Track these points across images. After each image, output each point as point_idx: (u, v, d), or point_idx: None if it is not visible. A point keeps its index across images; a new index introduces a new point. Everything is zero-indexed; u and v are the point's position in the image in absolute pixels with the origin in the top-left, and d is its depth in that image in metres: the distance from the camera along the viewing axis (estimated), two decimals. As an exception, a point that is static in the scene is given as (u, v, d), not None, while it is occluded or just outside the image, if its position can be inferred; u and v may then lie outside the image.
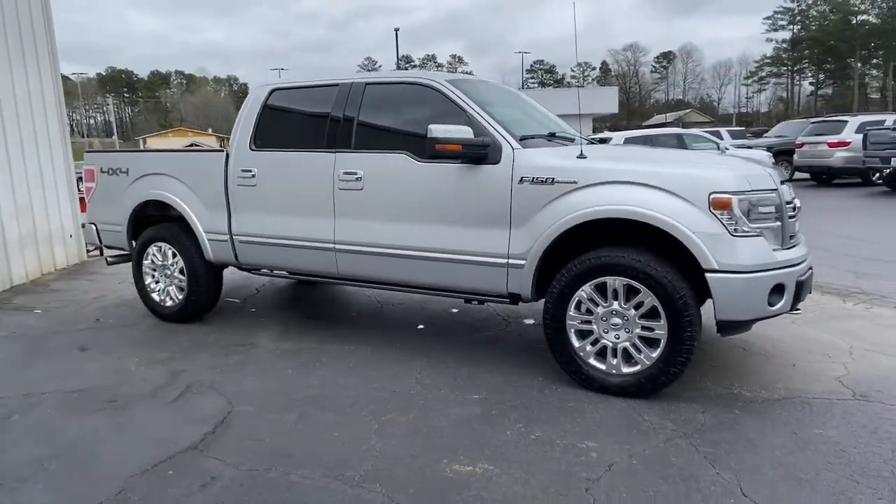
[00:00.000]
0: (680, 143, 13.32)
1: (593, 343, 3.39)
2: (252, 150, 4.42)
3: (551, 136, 3.90)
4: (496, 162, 3.53)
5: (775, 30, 71.27)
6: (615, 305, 3.29)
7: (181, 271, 4.91)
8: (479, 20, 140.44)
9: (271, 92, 4.49)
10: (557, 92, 41.56)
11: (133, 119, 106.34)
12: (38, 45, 7.37)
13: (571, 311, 3.40)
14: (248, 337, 4.57)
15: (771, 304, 3.12)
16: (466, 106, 3.68)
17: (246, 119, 4.51)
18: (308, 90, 4.43)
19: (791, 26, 69.64)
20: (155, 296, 5.10)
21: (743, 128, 26.89)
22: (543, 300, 3.55)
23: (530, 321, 4.83)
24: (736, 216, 3.04)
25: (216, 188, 4.58)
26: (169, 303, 5.03)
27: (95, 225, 5.41)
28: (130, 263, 5.48)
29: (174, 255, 4.93)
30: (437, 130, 3.43)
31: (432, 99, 3.84)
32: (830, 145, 13.49)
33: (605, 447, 2.78)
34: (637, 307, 3.24)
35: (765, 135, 18.97)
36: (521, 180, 3.45)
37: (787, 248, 3.23)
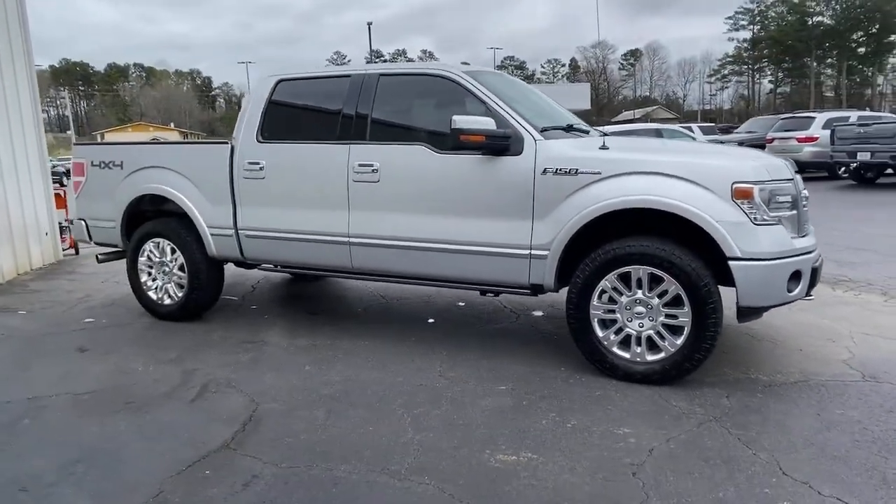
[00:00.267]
0: (659, 138, 13.57)
1: (617, 332, 3.43)
2: (259, 142, 4.33)
3: (569, 128, 3.93)
4: (518, 153, 3.53)
5: (736, 29, 73.34)
6: (639, 294, 3.33)
7: (181, 268, 4.77)
8: (448, 15, 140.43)
9: (277, 83, 4.39)
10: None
11: (89, 113, 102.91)
12: (13, 39, 7.06)
13: (595, 301, 3.43)
14: (256, 334, 4.48)
15: (790, 291, 3.21)
16: (487, 98, 3.67)
17: (251, 111, 4.41)
18: (316, 81, 4.36)
19: (751, 26, 71.74)
20: (152, 294, 4.95)
21: (713, 124, 27.56)
22: (565, 290, 3.57)
23: (539, 313, 4.86)
24: (757, 205, 3.11)
25: (220, 181, 4.47)
26: (167, 301, 4.89)
27: (85, 221, 5.22)
28: (122, 261, 5.32)
29: (173, 252, 4.79)
30: (461, 121, 3.41)
31: (450, 90, 3.82)
32: (799, 140, 13.94)
33: (642, 433, 2.82)
34: (661, 295, 3.29)
35: (735, 130, 19.49)
36: (545, 171, 3.46)
37: (803, 236, 3.32)
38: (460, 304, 5.21)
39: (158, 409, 3.23)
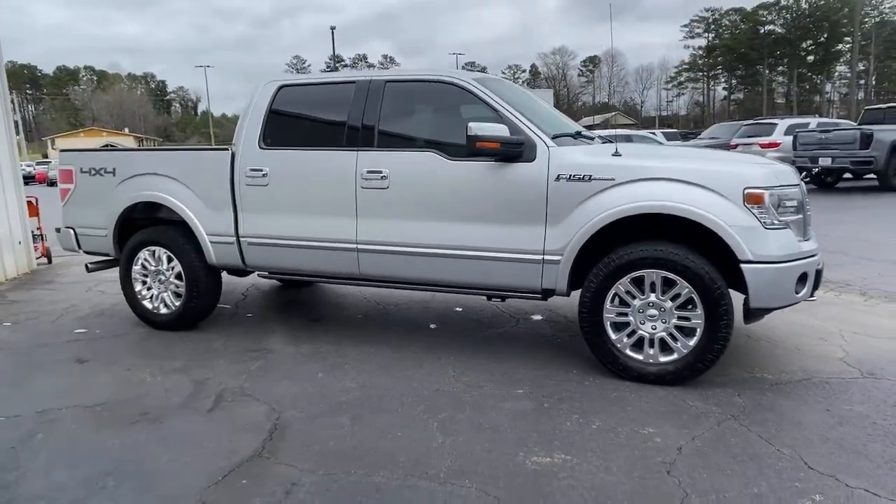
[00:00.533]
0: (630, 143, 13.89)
1: (629, 335, 3.51)
2: (262, 148, 4.28)
3: (577, 136, 4.01)
4: (531, 160, 3.60)
5: (692, 37, 75.74)
6: (652, 297, 3.43)
7: (178, 276, 4.67)
8: (408, 21, 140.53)
9: (279, 89, 4.36)
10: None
11: (38, 118, 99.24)
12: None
13: (608, 305, 3.51)
14: (259, 342, 4.42)
15: (797, 292, 3.35)
16: (498, 105, 3.73)
17: (252, 117, 4.36)
18: (320, 87, 4.34)
19: (706, 34, 74.17)
20: (147, 303, 4.83)
21: (675, 130, 28.34)
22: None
23: (538, 317, 4.93)
24: (768, 210, 3.24)
25: (220, 188, 4.40)
26: (163, 310, 4.77)
27: (73, 229, 5.06)
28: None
29: (170, 260, 4.69)
30: (478, 128, 3.46)
31: (460, 97, 3.86)
32: (762, 146, 14.46)
33: (666, 432, 2.90)
34: (673, 298, 3.39)
35: (699, 136, 20.07)
36: (558, 178, 3.53)
37: (807, 240, 3.47)
38: (458, 308, 5.25)
39: (177, 419, 3.16)
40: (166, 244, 4.65)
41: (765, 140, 14.55)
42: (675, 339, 3.42)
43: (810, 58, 65.56)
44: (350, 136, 4.04)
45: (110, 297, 5.96)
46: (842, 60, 64.29)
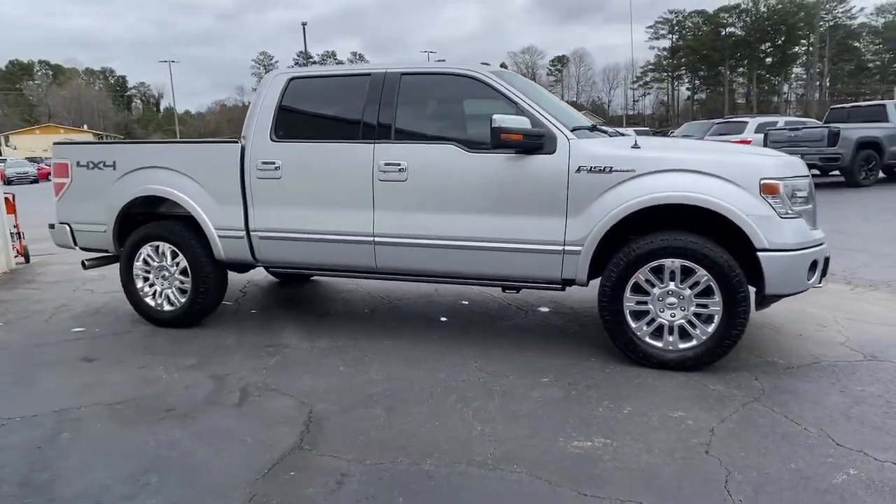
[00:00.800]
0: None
1: (649, 323, 3.60)
2: (274, 141, 4.23)
3: (593, 129, 4.08)
4: (551, 152, 3.65)
5: (657, 38, 77.41)
6: (671, 286, 3.52)
7: (183, 272, 4.59)
8: (376, 18, 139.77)
9: (289, 81, 4.31)
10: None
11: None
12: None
13: (628, 294, 3.59)
14: (271, 337, 4.37)
15: (808, 279, 3.48)
16: (517, 98, 3.77)
17: (263, 109, 4.30)
18: (332, 79, 4.33)
19: (670, 35, 75.88)
20: (149, 300, 4.72)
21: (647, 128, 28.93)
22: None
23: (545, 309, 4.99)
24: (783, 199, 3.37)
25: (230, 182, 4.33)
26: (167, 307, 4.68)
27: (69, 225, 4.91)
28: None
29: (174, 255, 4.60)
30: (502, 120, 3.49)
31: (477, 90, 3.89)
32: (734, 144, 14.89)
33: (696, 415, 2.99)
34: (692, 286, 3.49)
35: (671, 134, 20.53)
36: (579, 169, 3.59)
37: (816, 229, 3.62)
38: (464, 302, 5.28)
39: (206, 415, 3.11)
40: (171, 239, 4.56)
41: (736, 138, 14.96)
42: (693, 326, 3.52)
43: (769, 59, 67.78)
44: (366, 129, 4.03)
45: (101, 296, 5.81)
46: (798, 62, 66.66)
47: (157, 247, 4.63)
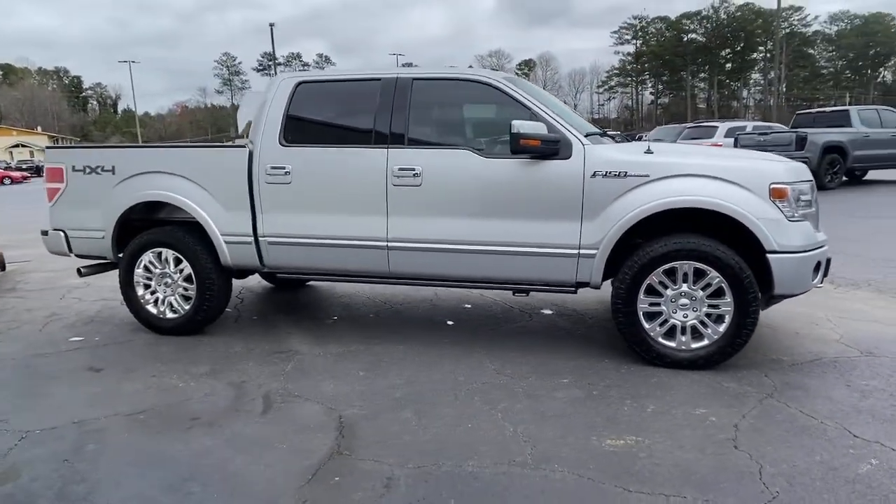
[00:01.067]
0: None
1: (661, 324, 3.71)
2: (283, 145, 4.21)
3: (602, 135, 4.18)
4: (567, 157, 3.73)
5: (621, 43, 79.08)
6: (684, 287, 3.63)
7: (187, 279, 4.51)
8: (341, 20, 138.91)
9: (297, 85, 4.30)
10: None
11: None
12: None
13: (642, 296, 3.69)
14: (280, 344, 4.34)
15: (812, 280, 3.64)
16: (532, 104, 3.84)
17: (271, 113, 4.27)
18: (342, 84, 4.32)
19: (634, 41, 77.62)
20: (151, 308, 4.63)
21: (617, 132, 29.51)
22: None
23: (548, 311, 5.07)
24: (790, 203, 3.51)
25: (237, 187, 4.29)
26: (170, 315, 4.59)
27: (64, 232, 4.78)
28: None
29: (178, 262, 4.52)
30: (521, 126, 3.56)
31: (491, 96, 3.95)
32: (705, 147, 15.33)
33: (717, 412, 3.10)
34: (704, 288, 3.61)
35: (641, 137, 20.96)
36: (594, 174, 3.68)
37: (819, 231, 3.78)
38: (466, 305, 5.33)
39: (233, 423, 3.08)
40: (175, 245, 4.48)
41: (708, 142, 15.38)
42: (705, 326, 3.64)
43: (728, 65, 69.96)
44: (379, 134, 4.04)
45: (92, 304, 5.67)
46: (756, 68, 68.94)
47: (160, 253, 4.55)
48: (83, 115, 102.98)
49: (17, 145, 67.55)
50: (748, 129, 15.53)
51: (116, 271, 4.74)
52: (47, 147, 4.87)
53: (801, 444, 2.75)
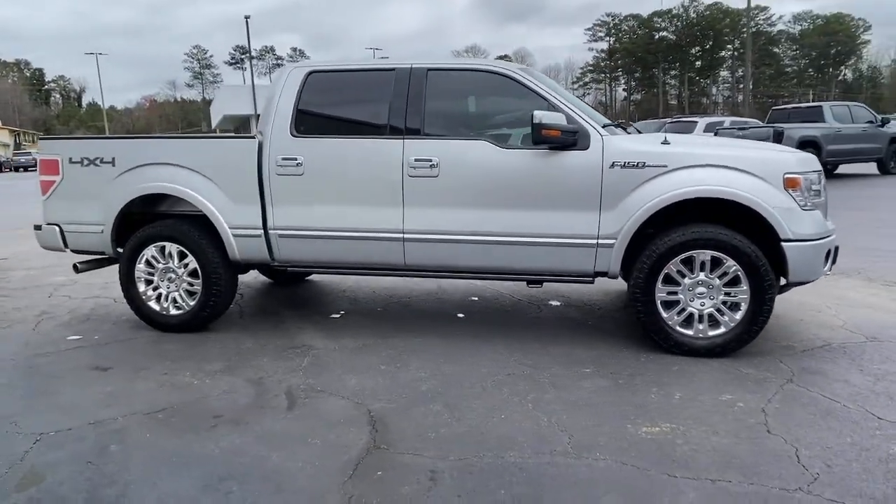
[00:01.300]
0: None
1: (679, 312, 3.74)
2: (295, 136, 4.12)
3: (618, 125, 4.19)
4: (585, 148, 3.73)
5: (595, 40, 79.90)
6: (701, 276, 3.68)
7: (192, 274, 4.40)
8: (317, 14, 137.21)
9: (308, 75, 4.21)
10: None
11: None
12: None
13: (659, 285, 3.72)
14: (292, 339, 4.27)
15: (823, 267, 3.72)
16: (550, 95, 3.83)
17: (282, 104, 4.18)
18: (354, 74, 4.25)
19: (608, 38, 78.50)
20: (153, 304, 4.50)
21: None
22: (624, 275, 3.83)
23: (557, 303, 5.09)
24: (803, 193, 3.58)
25: (246, 179, 4.19)
26: (174, 311, 4.47)
27: (59, 226, 4.61)
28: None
29: (182, 256, 4.41)
30: (542, 116, 3.55)
31: (507, 88, 3.93)
32: (684, 142, 15.57)
33: (742, 397, 3.14)
34: (721, 276, 3.65)
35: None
36: (613, 165, 3.69)
37: (828, 220, 3.86)
38: (473, 298, 5.31)
39: (259, 420, 3.01)
40: (180, 239, 4.36)
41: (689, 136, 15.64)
42: (722, 313, 3.69)
43: (698, 63, 71.27)
44: (394, 124, 3.99)
45: (84, 302, 5.49)
46: (724, 66, 70.41)
47: (163, 247, 4.42)
48: (45, 109, 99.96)
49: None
50: (726, 124, 15.80)
51: (113, 267, 4.60)
52: (41, 138, 4.68)
53: (829, 427, 2.80)
